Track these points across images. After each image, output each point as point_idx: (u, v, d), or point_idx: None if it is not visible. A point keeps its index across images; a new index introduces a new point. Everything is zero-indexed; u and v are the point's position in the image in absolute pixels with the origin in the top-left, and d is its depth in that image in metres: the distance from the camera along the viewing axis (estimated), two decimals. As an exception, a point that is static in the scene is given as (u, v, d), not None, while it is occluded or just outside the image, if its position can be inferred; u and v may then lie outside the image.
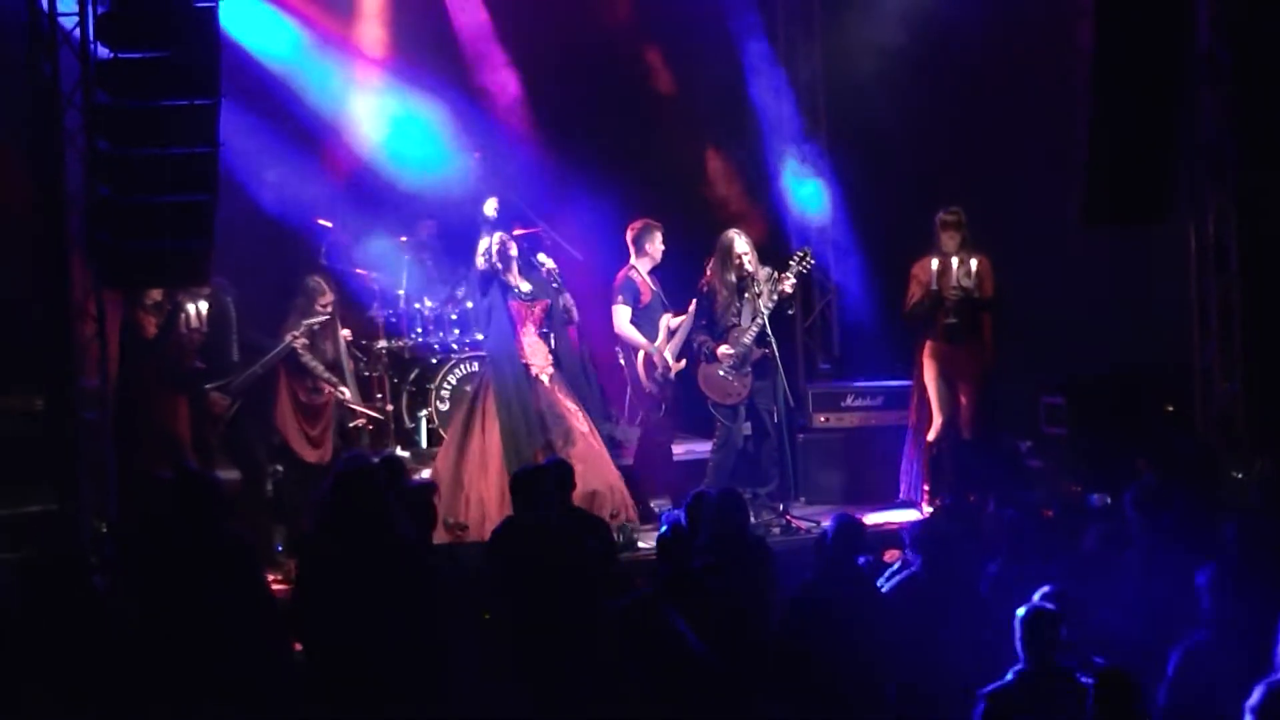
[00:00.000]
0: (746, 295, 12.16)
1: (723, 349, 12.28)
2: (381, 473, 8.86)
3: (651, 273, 12.70)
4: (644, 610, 7.59)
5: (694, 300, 12.44)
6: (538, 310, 12.12)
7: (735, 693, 7.81)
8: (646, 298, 12.62)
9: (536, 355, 12.06)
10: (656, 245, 12.67)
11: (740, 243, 12.26)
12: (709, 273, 12.39)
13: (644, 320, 12.61)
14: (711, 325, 12.37)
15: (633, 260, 12.66)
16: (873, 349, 14.21)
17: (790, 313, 12.67)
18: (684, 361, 12.54)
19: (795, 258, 12.31)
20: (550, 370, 12.08)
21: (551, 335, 12.32)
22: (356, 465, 8.74)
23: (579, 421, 11.99)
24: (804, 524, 12.07)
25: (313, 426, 12.35)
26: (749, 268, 12.16)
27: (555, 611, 8.65)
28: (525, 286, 12.11)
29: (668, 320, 12.61)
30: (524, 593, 8.82)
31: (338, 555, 8.31)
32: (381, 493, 8.48)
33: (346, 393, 12.40)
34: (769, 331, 12.04)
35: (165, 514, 9.07)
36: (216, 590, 8.29)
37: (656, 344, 12.56)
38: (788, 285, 12.16)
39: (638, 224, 12.75)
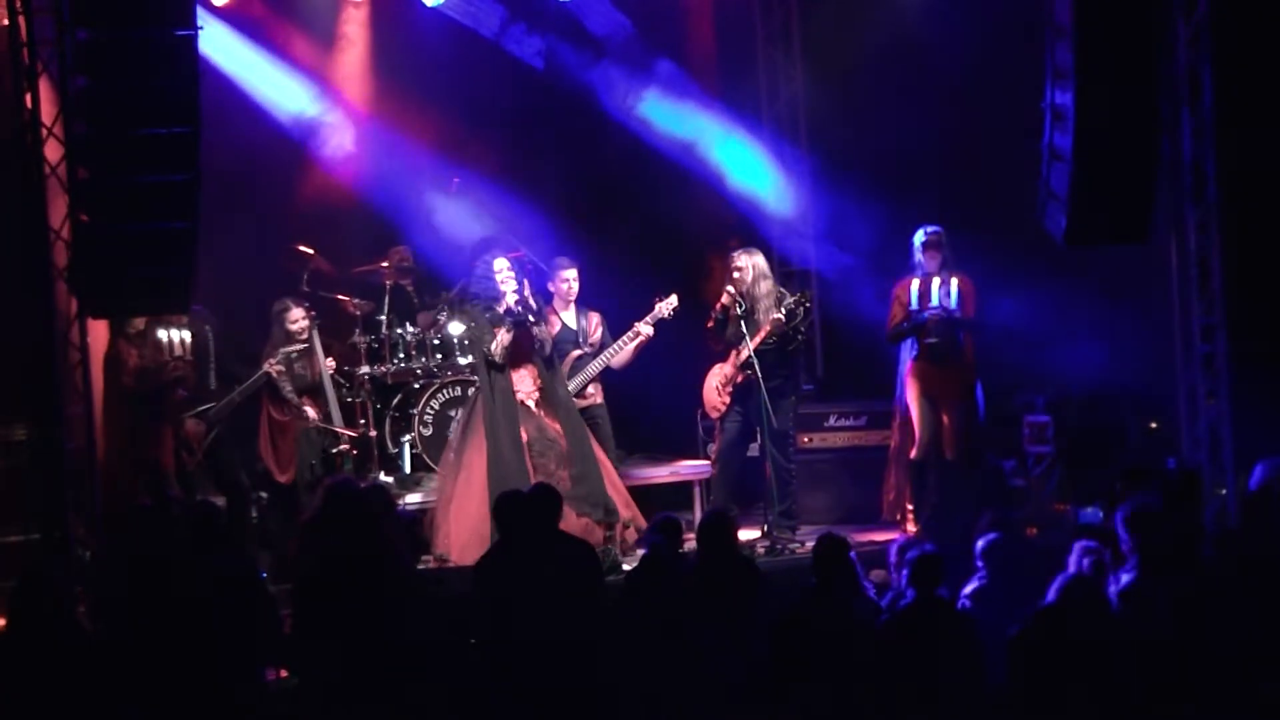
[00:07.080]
0: (742, 315, 12.21)
1: (716, 368, 12.42)
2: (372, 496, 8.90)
3: (583, 308, 12.71)
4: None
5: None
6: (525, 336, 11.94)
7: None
8: (552, 332, 12.41)
9: (524, 382, 11.94)
10: (559, 283, 12.67)
11: (740, 259, 12.37)
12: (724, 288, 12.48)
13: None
14: (720, 341, 12.49)
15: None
16: (856, 369, 14.22)
17: (791, 349, 12.56)
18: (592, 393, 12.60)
19: (794, 298, 12.38)
20: (536, 395, 11.94)
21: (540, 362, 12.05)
22: (346, 487, 8.77)
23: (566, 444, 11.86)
24: (791, 544, 12.08)
25: (281, 445, 12.35)
26: (739, 287, 12.21)
27: (540, 637, 8.63)
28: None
29: (574, 354, 12.64)
30: (509, 618, 8.80)
31: (330, 575, 8.33)
32: (375, 511, 8.51)
33: (312, 413, 12.36)
34: (753, 357, 12.06)
35: (155, 542, 9.06)
36: (219, 617, 8.27)
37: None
38: (773, 317, 12.16)
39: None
